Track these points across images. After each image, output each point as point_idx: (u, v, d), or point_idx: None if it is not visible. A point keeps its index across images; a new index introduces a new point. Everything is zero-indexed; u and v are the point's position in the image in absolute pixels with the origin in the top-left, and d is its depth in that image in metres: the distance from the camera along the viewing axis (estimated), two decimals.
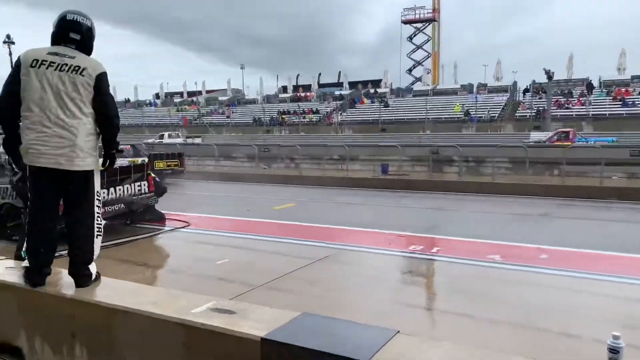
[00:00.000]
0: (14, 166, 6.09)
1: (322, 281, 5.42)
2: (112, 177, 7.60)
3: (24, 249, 5.85)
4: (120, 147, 3.58)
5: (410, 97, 51.61)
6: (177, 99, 67.30)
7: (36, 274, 3.23)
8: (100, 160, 3.42)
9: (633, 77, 42.89)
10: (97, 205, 3.35)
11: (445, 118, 43.38)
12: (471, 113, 42.10)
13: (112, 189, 7.59)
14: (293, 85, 64.24)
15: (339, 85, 62.40)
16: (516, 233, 8.30)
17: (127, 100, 69.39)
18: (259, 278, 5.40)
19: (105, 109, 3.24)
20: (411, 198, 12.73)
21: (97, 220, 3.36)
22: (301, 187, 15.01)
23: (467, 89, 50.27)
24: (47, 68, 3.08)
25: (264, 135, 38.14)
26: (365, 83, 59.19)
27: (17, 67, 3.11)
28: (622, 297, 4.96)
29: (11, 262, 3.89)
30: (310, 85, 62.77)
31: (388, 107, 48.03)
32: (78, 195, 3.25)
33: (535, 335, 4.00)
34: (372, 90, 55.51)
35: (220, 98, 63.94)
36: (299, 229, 8.36)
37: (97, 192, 3.37)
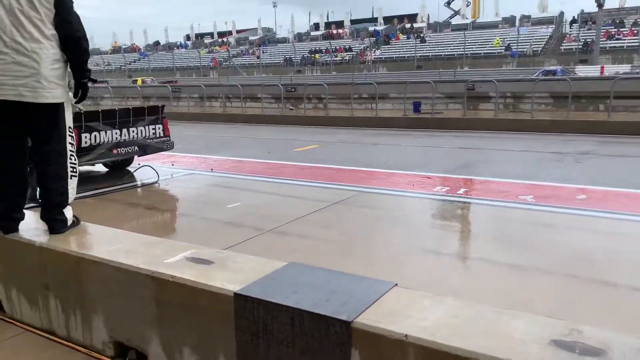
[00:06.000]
0: None
1: (335, 225, 5.07)
2: (125, 117, 7.33)
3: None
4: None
5: (449, 31, 49.17)
6: (207, 40, 66.44)
7: (6, 219, 2.96)
8: (72, 93, 3.05)
9: None
10: (69, 143, 3.01)
11: (484, 53, 41.24)
12: (512, 47, 39.82)
13: (124, 130, 7.33)
14: (325, 22, 62.22)
15: (373, 20, 60.06)
16: (553, 173, 7.69)
17: (157, 43, 69.00)
18: (269, 222, 5.09)
19: (69, 29, 2.82)
20: (442, 137, 12.09)
21: (71, 159, 3.04)
22: (328, 129, 14.52)
23: (510, 21, 47.48)
24: None
25: (293, 76, 37.27)
26: (401, 18, 56.71)
27: None
28: None
29: None
30: (343, 21, 60.60)
31: (425, 42, 45.98)
32: (47, 132, 2.90)
33: (569, 283, 3.57)
34: (408, 26, 53.14)
35: (250, 38, 62.72)
36: (317, 171, 7.99)
37: (70, 127, 3.02)
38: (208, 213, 5.64)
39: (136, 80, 37.31)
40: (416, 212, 5.66)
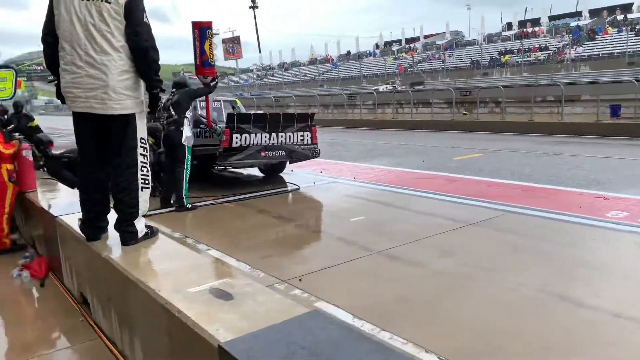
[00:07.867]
0: None
1: (458, 252, 4.31)
2: (275, 122, 7.51)
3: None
4: None
5: None
6: (395, 47, 66.99)
7: (88, 228, 3.08)
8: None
9: None
10: (141, 154, 3.00)
11: None
12: None
13: (273, 134, 7.48)
14: (519, 21, 57.67)
15: (576, 15, 53.67)
16: None
17: (349, 53, 71.84)
18: (383, 241, 4.59)
19: (138, 40, 2.81)
20: None
21: (142, 171, 3.02)
22: (501, 135, 13.17)
23: None
24: None
25: (480, 79, 35.15)
26: (611, 9, 49.52)
27: (50, 0, 2.87)
28: None
29: None
30: (539, 18, 55.40)
31: None
32: (117, 143, 2.94)
33: None
34: (620, 17, 46.11)
35: (438, 42, 61.36)
36: (467, 184, 7.14)
37: (142, 139, 3.01)
38: (327, 226, 5.38)
39: None
40: (570, 243, 4.55)
